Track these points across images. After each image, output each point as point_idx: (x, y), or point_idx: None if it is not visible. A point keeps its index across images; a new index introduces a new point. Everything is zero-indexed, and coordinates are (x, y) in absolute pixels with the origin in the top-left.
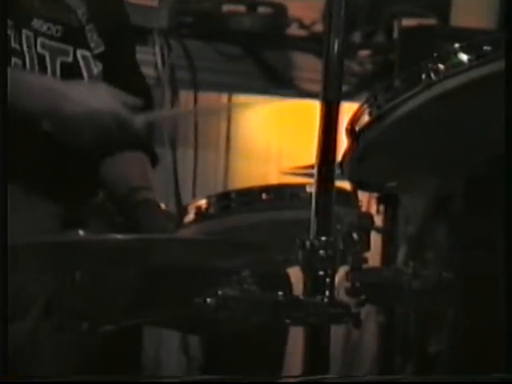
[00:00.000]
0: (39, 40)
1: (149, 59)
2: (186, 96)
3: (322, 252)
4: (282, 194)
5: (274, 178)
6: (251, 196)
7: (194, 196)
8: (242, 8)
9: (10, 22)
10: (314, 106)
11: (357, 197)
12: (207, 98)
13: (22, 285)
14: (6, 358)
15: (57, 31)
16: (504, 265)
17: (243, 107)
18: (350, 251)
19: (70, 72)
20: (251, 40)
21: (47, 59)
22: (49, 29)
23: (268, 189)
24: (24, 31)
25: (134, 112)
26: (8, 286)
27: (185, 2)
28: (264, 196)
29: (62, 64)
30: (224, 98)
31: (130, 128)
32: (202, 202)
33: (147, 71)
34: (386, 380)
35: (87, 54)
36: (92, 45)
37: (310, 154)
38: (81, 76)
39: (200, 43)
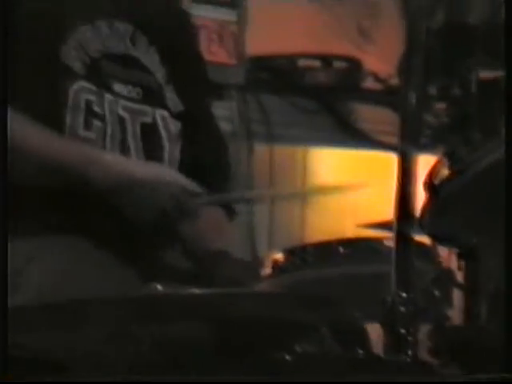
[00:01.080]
0: (120, 103)
1: (226, 114)
2: (261, 149)
3: (402, 309)
4: (359, 248)
5: (351, 231)
6: (328, 250)
7: (270, 248)
8: (317, 63)
9: (92, 87)
10: (391, 159)
11: (437, 252)
12: (283, 151)
13: (103, 340)
14: (6, 357)
15: (137, 94)
16: (504, 265)
17: (320, 192)
18: (431, 308)
19: (150, 132)
20: (326, 94)
21: (128, 121)
22: (129, 92)
23: (345, 242)
24: (106, 95)
25: (196, 196)
26: (8, 286)
27: (261, 59)
28: (341, 250)
29: (142, 125)
30: (300, 150)
31: (191, 210)
32: (279, 256)
33: (224, 126)
34: (387, 380)
35: (166, 114)
36: (170, 105)
37: (387, 207)
38: (160, 136)
39: (276, 98)
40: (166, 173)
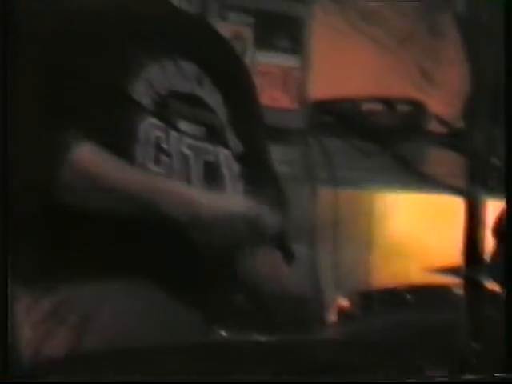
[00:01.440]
0: (185, 140)
1: (288, 158)
2: (325, 193)
3: (473, 360)
4: (427, 295)
5: (417, 276)
6: (395, 296)
7: (335, 293)
8: (380, 106)
9: (160, 124)
10: (458, 202)
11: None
12: (347, 194)
13: None
14: (6, 357)
15: (201, 132)
16: (504, 265)
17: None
18: (503, 359)
19: (213, 171)
20: (390, 137)
21: (192, 159)
22: (194, 130)
23: (412, 289)
24: (172, 133)
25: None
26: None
27: (324, 103)
28: (408, 297)
29: (205, 163)
30: (364, 194)
31: (264, 235)
32: (344, 301)
33: (286, 170)
34: (388, 381)
35: (228, 153)
36: (232, 145)
37: (455, 252)
38: (222, 175)
39: (339, 141)
40: (240, 203)
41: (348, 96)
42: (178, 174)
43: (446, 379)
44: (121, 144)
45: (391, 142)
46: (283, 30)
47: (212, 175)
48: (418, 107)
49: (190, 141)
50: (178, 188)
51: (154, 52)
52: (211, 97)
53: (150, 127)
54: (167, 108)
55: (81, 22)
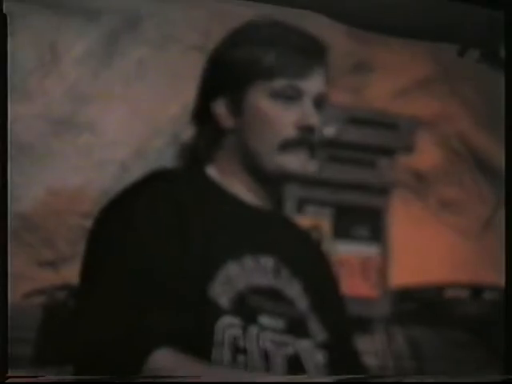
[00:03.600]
0: (265, 335)
1: (372, 348)
2: None
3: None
4: None
5: None
6: None
7: None
8: (465, 293)
9: (238, 321)
10: None
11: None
12: None
13: None
14: (6, 358)
15: (281, 324)
16: (505, 264)
17: None
18: None
19: (293, 363)
20: (477, 325)
21: (270, 353)
22: (273, 323)
23: None
24: (251, 328)
25: None
26: (8, 287)
27: (406, 291)
28: None
29: (285, 356)
30: None
31: None
32: None
33: (371, 360)
34: (387, 380)
35: (309, 344)
36: (314, 334)
37: None
38: (302, 367)
39: (424, 330)
40: None
41: (430, 282)
42: (258, 369)
43: (444, 379)
44: (198, 345)
45: (479, 331)
46: (361, 220)
47: (294, 367)
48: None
49: (270, 334)
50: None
51: (232, 250)
52: (290, 288)
53: (226, 326)
54: (246, 304)
55: (160, 220)
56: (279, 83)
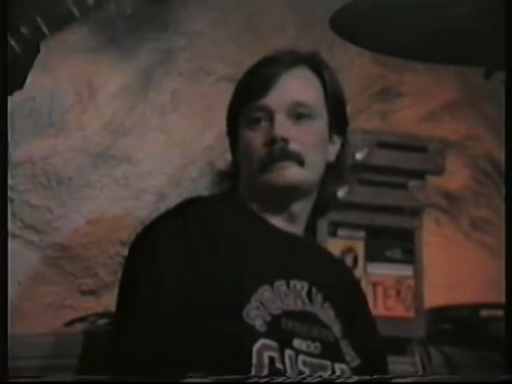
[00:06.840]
0: (300, 358)
1: (409, 370)
2: None
3: None
4: None
5: None
6: None
7: None
8: (500, 312)
9: (274, 344)
10: None
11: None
12: None
13: None
14: (6, 357)
15: (315, 348)
16: (505, 265)
17: None
18: None
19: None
20: None
21: (308, 376)
22: (308, 347)
23: None
24: (287, 351)
25: None
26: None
27: (441, 311)
28: None
29: (322, 380)
30: None
31: None
32: None
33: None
34: (386, 380)
35: (345, 367)
36: (348, 359)
37: None
38: None
39: (461, 350)
40: None
41: (465, 302)
42: None
43: (444, 379)
44: (235, 369)
45: None
46: (394, 242)
47: None
48: None
49: (306, 358)
50: None
51: (266, 275)
52: (323, 312)
53: (262, 349)
54: (280, 327)
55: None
56: (248, 109)
